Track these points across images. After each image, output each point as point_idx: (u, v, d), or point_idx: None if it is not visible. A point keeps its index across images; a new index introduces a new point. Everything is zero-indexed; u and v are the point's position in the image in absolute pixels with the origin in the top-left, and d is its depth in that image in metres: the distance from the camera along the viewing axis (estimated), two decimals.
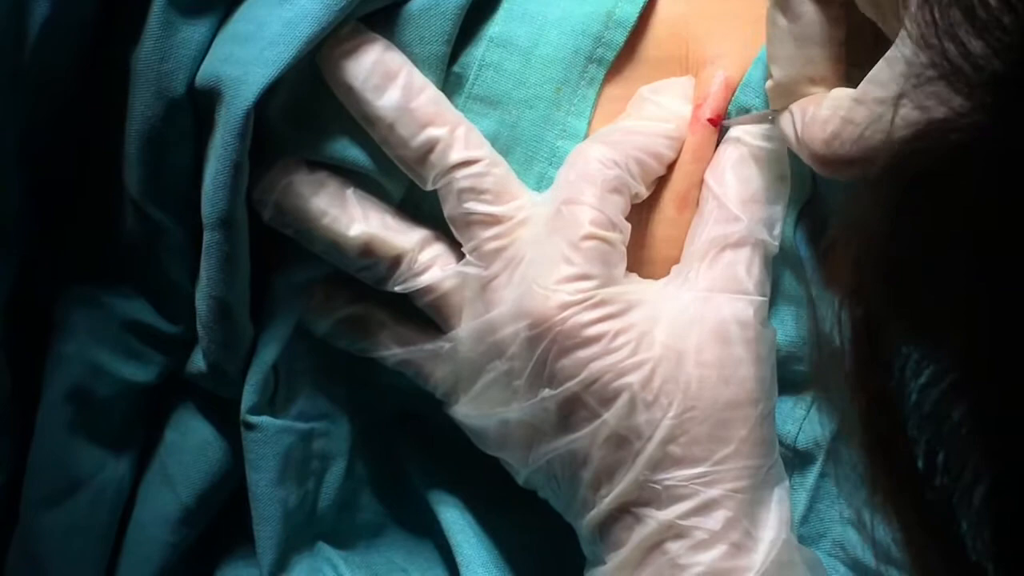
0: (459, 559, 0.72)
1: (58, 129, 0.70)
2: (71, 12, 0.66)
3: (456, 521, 0.73)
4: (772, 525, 0.65)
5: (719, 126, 0.69)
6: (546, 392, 0.65)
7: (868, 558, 0.68)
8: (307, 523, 0.74)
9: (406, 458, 0.76)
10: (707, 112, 0.69)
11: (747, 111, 0.69)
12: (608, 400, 0.64)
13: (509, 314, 0.66)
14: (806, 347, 0.69)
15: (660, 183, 0.70)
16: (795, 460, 0.71)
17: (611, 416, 0.64)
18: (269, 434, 0.72)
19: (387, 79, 0.67)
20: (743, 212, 0.67)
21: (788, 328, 0.69)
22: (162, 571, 0.75)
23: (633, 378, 0.64)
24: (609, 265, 0.66)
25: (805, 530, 0.71)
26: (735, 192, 0.67)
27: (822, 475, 0.70)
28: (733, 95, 0.69)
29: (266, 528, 0.72)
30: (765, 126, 0.68)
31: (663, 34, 0.71)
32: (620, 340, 0.64)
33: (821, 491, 0.71)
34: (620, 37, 0.70)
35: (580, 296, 0.64)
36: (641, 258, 0.70)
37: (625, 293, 0.65)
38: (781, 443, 0.70)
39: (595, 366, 0.64)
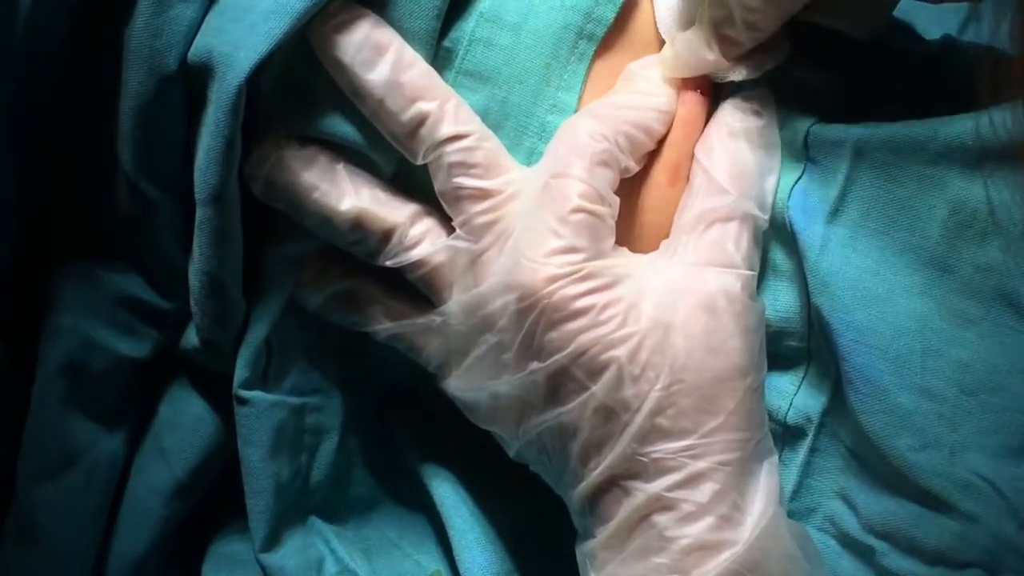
0: (451, 534, 0.73)
1: (52, 104, 0.70)
2: None
3: (449, 496, 0.74)
4: (760, 498, 0.65)
5: (709, 97, 0.69)
6: (535, 365, 0.65)
7: (858, 532, 0.69)
8: (300, 497, 0.75)
9: (399, 433, 0.77)
10: (697, 83, 0.69)
11: (738, 85, 0.70)
12: (596, 373, 0.64)
13: (498, 287, 0.66)
14: (797, 322, 0.69)
15: (651, 157, 0.70)
16: (785, 435, 0.71)
17: (599, 389, 0.64)
18: (261, 408, 0.72)
19: (377, 53, 0.67)
20: (732, 186, 0.67)
21: (779, 303, 0.70)
22: (156, 544, 0.75)
23: (620, 351, 0.64)
24: (597, 239, 0.66)
25: (795, 505, 0.71)
26: (724, 166, 0.68)
27: (812, 450, 0.70)
28: None
29: (259, 502, 0.72)
30: (755, 99, 0.68)
31: (653, 9, 0.71)
32: (608, 313, 0.64)
33: (811, 466, 0.70)
34: (610, 13, 0.70)
35: (568, 269, 0.65)
36: (632, 231, 0.70)
37: (613, 266, 0.66)
38: (772, 418, 0.70)
39: (583, 339, 0.64)
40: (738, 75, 0.69)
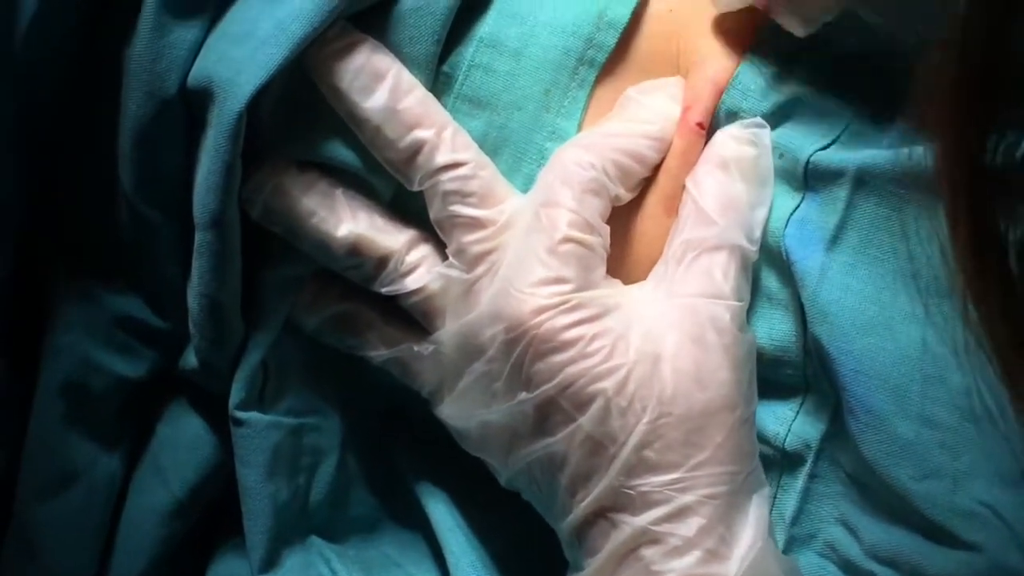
0: (448, 557, 0.73)
1: (52, 125, 0.70)
2: (61, 7, 0.67)
3: (445, 519, 0.74)
4: (748, 532, 0.65)
5: (706, 128, 0.69)
6: (523, 395, 0.65)
7: (859, 558, 0.68)
8: (299, 518, 0.75)
9: (396, 454, 0.77)
10: (695, 116, 0.69)
11: (735, 114, 0.69)
12: (583, 405, 0.64)
13: (487, 317, 0.66)
14: (794, 351, 0.69)
15: (647, 186, 0.70)
16: (784, 462, 0.70)
17: (586, 421, 0.64)
18: (258, 429, 0.72)
19: (375, 80, 0.67)
20: (719, 216, 0.67)
21: (775, 332, 0.69)
22: (154, 564, 0.76)
23: (607, 383, 0.64)
24: (587, 269, 0.66)
25: (796, 531, 0.70)
26: (712, 196, 0.67)
27: (811, 476, 0.70)
28: (721, 97, 0.69)
29: (256, 523, 0.73)
30: (751, 130, 0.68)
31: (654, 35, 0.71)
32: (595, 345, 0.64)
33: (811, 492, 0.70)
34: (611, 39, 0.69)
35: (556, 300, 0.64)
36: (628, 261, 0.70)
37: (601, 297, 0.65)
38: (770, 444, 0.70)
39: (570, 370, 0.64)
40: (792, 25, 0.68)
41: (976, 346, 0.52)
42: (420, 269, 0.69)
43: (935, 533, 0.66)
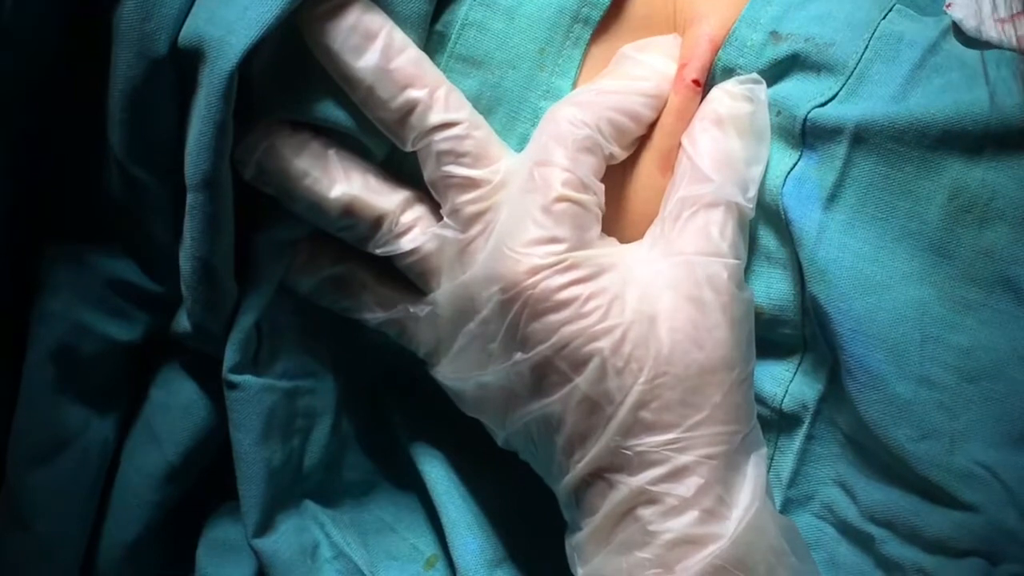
0: (444, 520, 0.73)
1: (42, 88, 0.70)
2: None
3: (441, 481, 0.73)
4: (746, 492, 0.65)
5: (702, 85, 0.68)
6: (519, 356, 0.65)
7: (857, 519, 0.68)
8: (293, 482, 0.75)
9: (392, 416, 0.76)
10: (691, 73, 0.68)
11: (732, 70, 0.69)
12: (579, 365, 0.64)
13: (482, 277, 0.66)
14: (792, 310, 0.69)
15: (642, 144, 0.69)
16: (781, 423, 0.70)
17: (582, 381, 0.64)
18: (251, 393, 0.72)
19: (366, 40, 0.66)
20: (715, 173, 0.66)
21: (773, 291, 0.69)
22: (148, 529, 0.76)
23: (604, 343, 0.64)
24: (581, 228, 0.65)
25: (793, 492, 0.70)
26: (708, 153, 0.67)
27: (809, 437, 0.70)
28: (717, 54, 0.69)
29: (250, 487, 0.72)
30: (747, 86, 0.67)
31: None
32: (591, 304, 0.64)
33: (808, 454, 0.70)
34: None
35: (551, 259, 0.64)
36: (624, 220, 0.69)
37: (597, 256, 0.65)
38: (767, 405, 0.70)
39: (566, 330, 0.64)
40: None
41: None
42: (415, 230, 0.69)
43: (932, 494, 0.66)
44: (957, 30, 0.67)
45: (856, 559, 0.69)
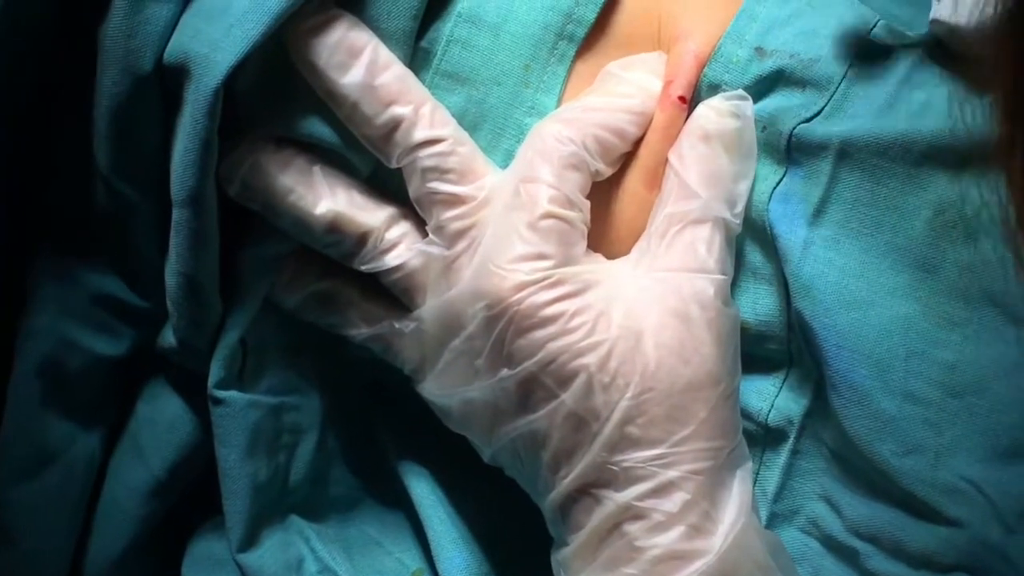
0: (429, 535, 0.72)
1: (27, 102, 0.70)
2: None
3: (427, 496, 0.73)
4: (732, 507, 0.65)
5: (688, 102, 0.69)
6: (505, 372, 0.65)
7: (842, 534, 0.68)
8: (279, 497, 0.74)
9: (378, 431, 0.76)
10: (677, 90, 0.68)
11: (717, 87, 0.69)
12: (565, 381, 0.64)
13: (468, 294, 0.66)
14: (778, 325, 0.69)
15: (628, 160, 0.69)
16: (767, 438, 0.70)
17: (568, 397, 0.64)
18: (236, 408, 0.72)
19: (351, 56, 0.66)
20: (703, 190, 0.66)
21: (760, 307, 0.69)
22: (134, 544, 0.75)
23: (590, 359, 0.64)
24: (567, 244, 0.65)
25: (778, 507, 0.70)
26: (695, 169, 0.67)
27: (794, 452, 0.70)
28: (703, 70, 0.69)
29: (235, 502, 0.72)
30: (733, 102, 0.68)
31: (634, 10, 0.70)
32: (577, 321, 0.64)
33: (793, 469, 0.70)
34: (591, 13, 0.69)
35: (537, 276, 0.64)
36: (610, 236, 0.69)
37: (583, 273, 0.65)
38: (753, 420, 0.70)
39: (552, 347, 0.64)
40: None
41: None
42: (400, 246, 0.69)
43: (917, 509, 0.66)
44: (942, 45, 0.67)
45: (841, 574, 0.69)
